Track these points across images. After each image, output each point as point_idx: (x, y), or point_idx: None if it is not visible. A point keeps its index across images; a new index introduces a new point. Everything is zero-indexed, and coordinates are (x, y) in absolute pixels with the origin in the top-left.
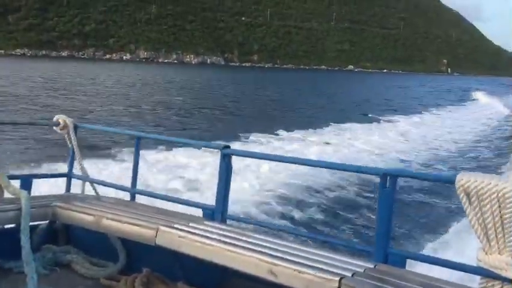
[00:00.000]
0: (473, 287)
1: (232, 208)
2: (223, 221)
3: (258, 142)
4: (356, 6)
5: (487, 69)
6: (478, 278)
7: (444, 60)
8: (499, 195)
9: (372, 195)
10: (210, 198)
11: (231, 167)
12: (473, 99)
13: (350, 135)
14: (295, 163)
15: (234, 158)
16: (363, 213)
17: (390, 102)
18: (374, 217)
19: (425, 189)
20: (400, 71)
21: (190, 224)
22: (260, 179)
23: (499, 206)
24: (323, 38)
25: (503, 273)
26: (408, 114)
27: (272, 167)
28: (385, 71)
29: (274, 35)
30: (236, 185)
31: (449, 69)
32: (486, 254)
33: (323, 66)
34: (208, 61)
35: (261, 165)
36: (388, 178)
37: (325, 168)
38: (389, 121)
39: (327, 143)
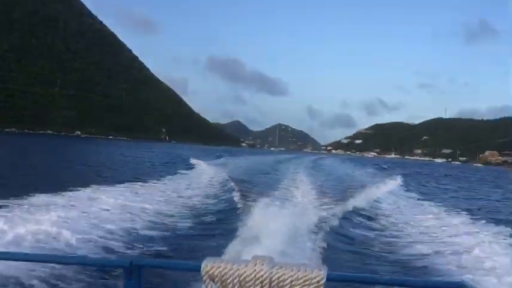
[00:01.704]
0: None
1: None
2: None
3: None
4: (79, 74)
5: (199, 138)
6: None
7: (163, 129)
8: (241, 279)
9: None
10: None
11: None
12: (193, 165)
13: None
14: (21, 260)
15: None
16: None
17: (109, 169)
18: None
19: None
20: (125, 138)
21: None
22: None
23: None
24: (49, 102)
25: None
26: (123, 182)
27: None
28: (111, 137)
29: None
30: None
31: (167, 137)
32: None
33: (49, 131)
34: None
35: None
36: (134, 269)
37: (55, 263)
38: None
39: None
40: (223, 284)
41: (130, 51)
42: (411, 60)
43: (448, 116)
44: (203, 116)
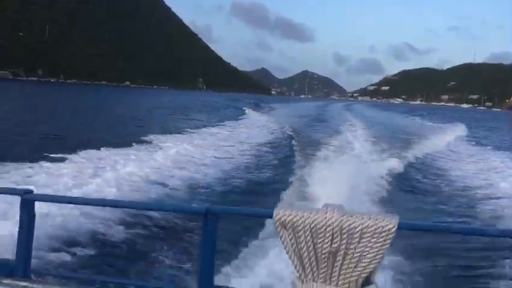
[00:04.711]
0: None
1: (39, 258)
2: (26, 276)
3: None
4: (122, 33)
5: (231, 87)
6: None
7: (200, 79)
8: (311, 226)
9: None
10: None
11: (34, 215)
12: (245, 113)
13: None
14: (108, 206)
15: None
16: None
17: (162, 120)
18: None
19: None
20: (168, 87)
21: None
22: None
23: (312, 237)
24: (100, 57)
25: None
26: (177, 133)
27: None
28: (155, 87)
29: (56, 53)
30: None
31: (204, 86)
32: (302, 282)
33: (104, 82)
34: None
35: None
36: (210, 216)
37: (139, 209)
38: (159, 142)
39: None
40: (295, 230)
41: (163, 2)
42: (443, 1)
43: (478, 61)
44: (234, 65)
